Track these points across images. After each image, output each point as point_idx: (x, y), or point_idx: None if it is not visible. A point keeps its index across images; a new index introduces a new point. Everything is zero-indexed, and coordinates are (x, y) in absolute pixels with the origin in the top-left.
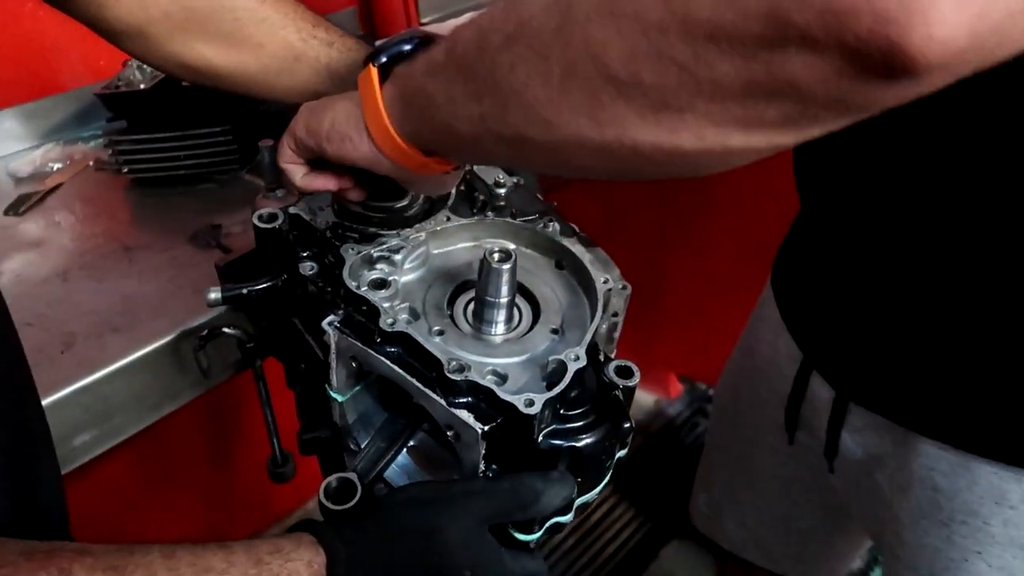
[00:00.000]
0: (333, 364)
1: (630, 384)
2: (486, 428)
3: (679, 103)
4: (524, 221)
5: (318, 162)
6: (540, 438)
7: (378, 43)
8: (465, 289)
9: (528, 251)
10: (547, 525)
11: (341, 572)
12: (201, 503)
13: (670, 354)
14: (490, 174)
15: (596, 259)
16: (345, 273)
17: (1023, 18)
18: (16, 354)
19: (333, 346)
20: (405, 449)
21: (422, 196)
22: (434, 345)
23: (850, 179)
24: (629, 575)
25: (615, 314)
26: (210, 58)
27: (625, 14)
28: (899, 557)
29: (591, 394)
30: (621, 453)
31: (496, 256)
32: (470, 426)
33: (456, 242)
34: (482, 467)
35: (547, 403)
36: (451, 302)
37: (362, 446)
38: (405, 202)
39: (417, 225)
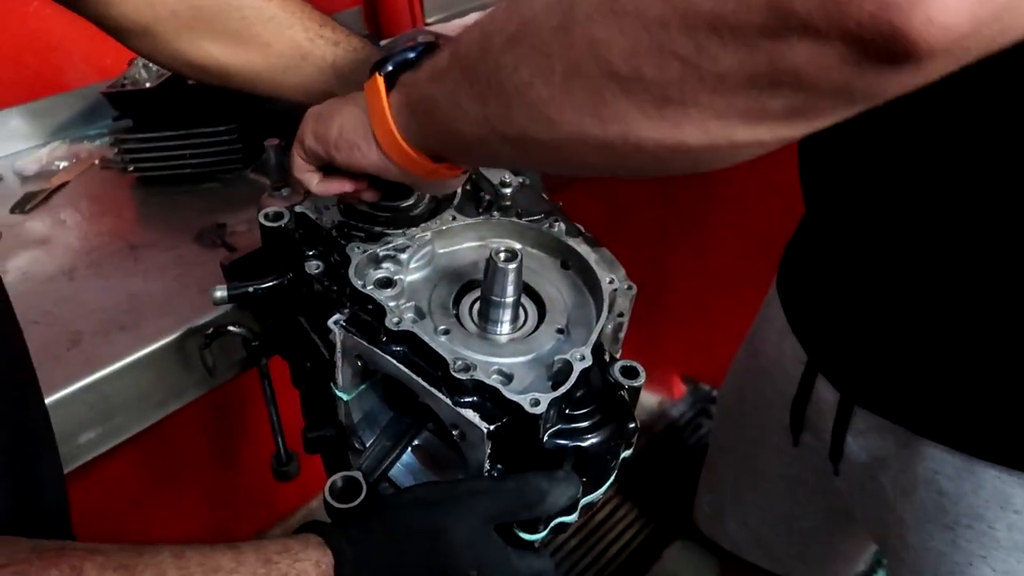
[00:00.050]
0: (339, 363)
1: (635, 384)
2: (491, 427)
3: (682, 97)
4: (530, 221)
5: (330, 167)
6: (545, 438)
7: (383, 42)
8: (471, 289)
9: (534, 251)
10: (552, 524)
11: (348, 572)
12: (205, 501)
13: (673, 355)
14: (496, 174)
15: (602, 259)
16: (351, 272)
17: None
18: (20, 353)
19: (339, 345)
20: (410, 448)
21: (428, 196)
22: (440, 344)
23: (855, 183)
24: (632, 575)
25: (621, 314)
26: (217, 56)
27: (626, 10)
28: (903, 560)
29: (596, 394)
30: (626, 453)
31: (502, 256)
32: (475, 425)
33: (462, 241)
34: (487, 466)
35: (552, 403)
36: (457, 301)
37: (367, 445)
38: (411, 201)
39: (423, 224)
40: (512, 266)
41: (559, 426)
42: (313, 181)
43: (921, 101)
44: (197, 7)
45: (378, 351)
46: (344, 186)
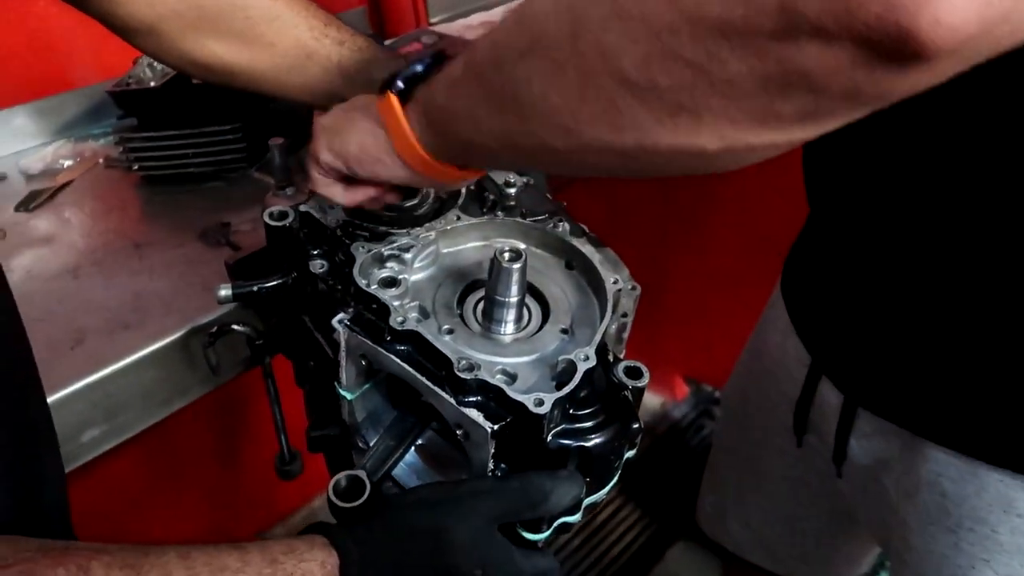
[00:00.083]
0: (343, 362)
1: (639, 385)
2: (495, 427)
3: (695, 104)
4: (534, 221)
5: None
6: (549, 438)
7: (388, 42)
8: (475, 288)
9: (538, 251)
10: (555, 524)
11: (354, 573)
12: (206, 500)
13: (676, 355)
14: (500, 174)
15: (606, 259)
16: (356, 271)
17: None
18: (22, 352)
19: (343, 344)
20: (413, 448)
21: (432, 195)
22: (444, 344)
23: (859, 184)
24: None
25: (624, 314)
26: (221, 55)
27: (635, 18)
28: (906, 563)
29: (600, 394)
30: (630, 453)
31: (507, 255)
32: (480, 425)
33: (466, 241)
34: (491, 466)
35: (557, 403)
36: (461, 301)
37: (371, 444)
38: (415, 201)
39: (427, 224)
40: (516, 266)
41: (563, 426)
42: (338, 194)
43: (926, 101)
44: (202, 6)
45: (382, 350)
46: (369, 192)
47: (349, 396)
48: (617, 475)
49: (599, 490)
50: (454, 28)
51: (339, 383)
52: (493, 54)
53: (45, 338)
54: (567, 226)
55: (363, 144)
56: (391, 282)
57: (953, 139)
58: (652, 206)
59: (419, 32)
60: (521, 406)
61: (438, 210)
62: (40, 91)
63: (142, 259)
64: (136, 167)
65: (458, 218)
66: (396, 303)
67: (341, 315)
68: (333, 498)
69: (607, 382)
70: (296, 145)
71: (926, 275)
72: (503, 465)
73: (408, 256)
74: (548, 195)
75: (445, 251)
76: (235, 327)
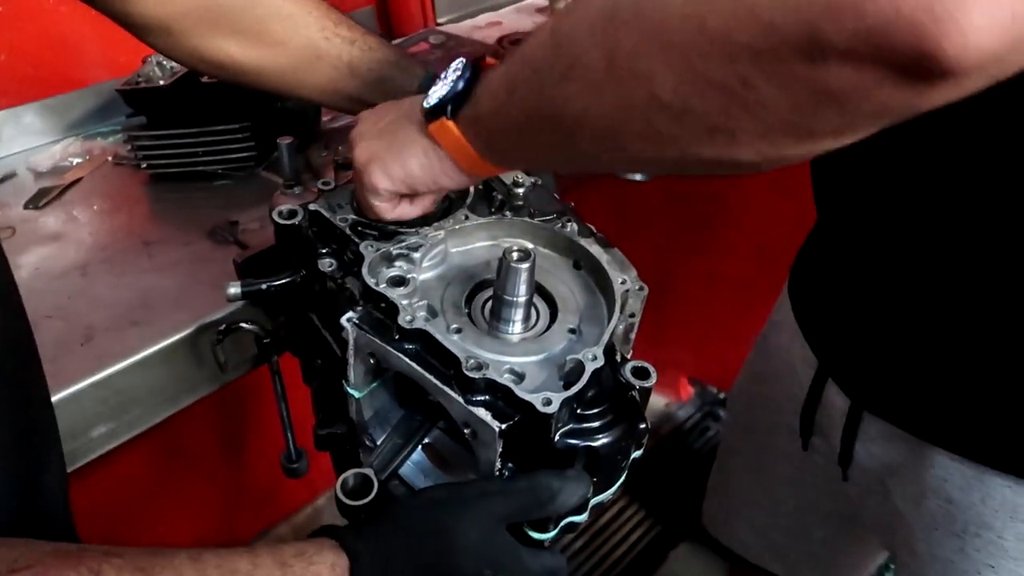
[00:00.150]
0: (351, 360)
1: (647, 385)
2: (503, 426)
3: (730, 124)
4: (542, 221)
5: None
6: (557, 437)
7: (395, 42)
8: (483, 288)
9: (546, 251)
10: (562, 524)
11: (364, 575)
12: (212, 497)
13: (681, 357)
14: (508, 174)
15: (613, 260)
16: (364, 270)
17: None
18: (28, 352)
19: (351, 342)
20: (420, 446)
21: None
22: (452, 343)
23: (867, 191)
24: None
25: (632, 315)
26: (233, 54)
27: (666, 45)
28: (911, 567)
29: (608, 394)
30: (636, 453)
31: (515, 255)
32: (487, 424)
33: (474, 241)
34: (498, 465)
35: (564, 402)
36: (469, 300)
37: (378, 442)
38: None
39: (436, 223)
40: (525, 266)
41: (570, 426)
42: (406, 209)
43: (936, 109)
44: (215, 4)
45: (391, 349)
46: (427, 203)
47: (357, 394)
48: (624, 475)
49: (606, 490)
50: (462, 28)
51: (347, 381)
52: (532, 76)
53: (54, 335)
54: (575, 226)
55: (424, 165)
56: (400, 281)
57: (961, 145)
58: (660, 208)
59: (427, 32)
60: (529, 405)
61: (447, 210)
62: (49, 89)
63: (151, 257)
64: (145, 165)
65: (467, 218)
66: (404, 302)
67: (350, 313)
68: (341, 496)
69: (614, 382)
70: (304, 144)
71: (933, 280)
72: (510, 464)
73: (417, 255)
74: (556, 195)
75: (454, 250)
76: (243, 325)
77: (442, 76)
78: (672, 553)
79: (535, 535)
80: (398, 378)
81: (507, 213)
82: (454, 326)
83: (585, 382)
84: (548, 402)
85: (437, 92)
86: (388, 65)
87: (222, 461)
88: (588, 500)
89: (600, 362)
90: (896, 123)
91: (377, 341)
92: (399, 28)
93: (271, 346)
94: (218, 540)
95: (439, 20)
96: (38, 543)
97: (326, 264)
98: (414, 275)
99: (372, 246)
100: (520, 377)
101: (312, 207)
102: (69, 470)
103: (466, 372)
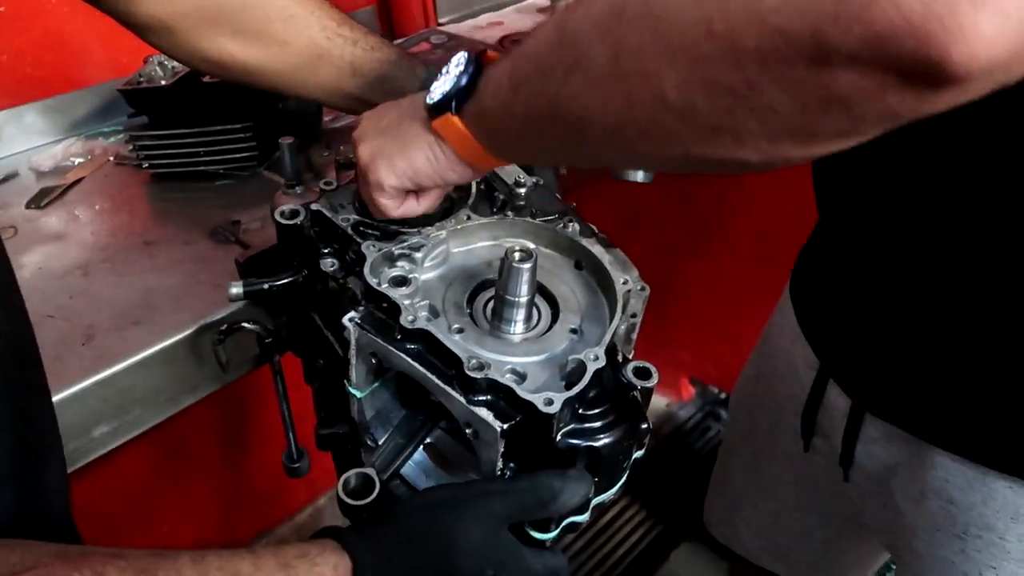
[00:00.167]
0: (353, 360)
1: (648, 385)
2: (505, 426)
3: (735, 125)
4: (544, 221)
5: None
6: (558, 437)
7: (396, 42)
8: (485, 288)
9: (548, 251)
10: (564, 524)
11: None
12: (214, 496)
13: (682, 357)
14: (510, 174)
15: (615, 260)
16: (366, 270)
17: None
18: (29, 354)
19: (353, 342)
20: (422, 446)
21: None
22: (454, 343)
23: (869, 192)
24: None
25: (633, 315)
26: (235, 53)
27: (674, 47)
28: (913, 568)
29: (609, 394)
30: (638, 453)
31: (517, 255)
32: (489, 424)
33: (476, 241)
34: (500, 465)
35: (566, 402)
36: (471, 300)
37: (380, 442)
38: None
39: (438, 223)
40: (527, 266)
41: (572, 426)
42: (412, 206)
43: (940, 113)
44: (217, 4)
45: (393, 349)
46: (434, 198)
47: (359, 394)
48: (625, 475)
49: (607, 490)
50: (463, 28)
51: (349, 381)
52: (537, 72)
53: (56, 334)
54: (577, 226)
55: (430, 159)
56: (401, 281)
57: (963, 147)
58: (662, 208)
59: (428, 32)
60: (531, 405)
61: (448, 210)
62: (51, 89)
63: (152, 256)
64: (146, 165)
65: (468, 218)
66: (406, 302)
67: (352, 313)
68: (343, 496)
69: (616, 382)
70: (305, 144)
71: (934, 281)
72: (512, 464)
73: (419, 255)
74: (558, 195)
75: (455, 250)
76: (245, 325)
77: (444, 70)
78: (673, 553)
79: (537, 535)
80: (400, 378)
81: (509, 213)
82: (456, 326)
83: (587, 382)
84: (550, 402)
85: (440, 87)
86: (390, 65)
87: (223, 461)
88: (590, 500)
89: (602, 362)
90: (900, 126)
91: (379, 341)
92: (400, 28)
93: (273, 346)
94: (219, 539)
95: (440, 20)
96: (40, 545)
97: (328, 264)
98: (416, 275)
99: (374, 246)
100: (522, 377)
101: (314, 207)
102: (71, 470)
103: (468, 372)
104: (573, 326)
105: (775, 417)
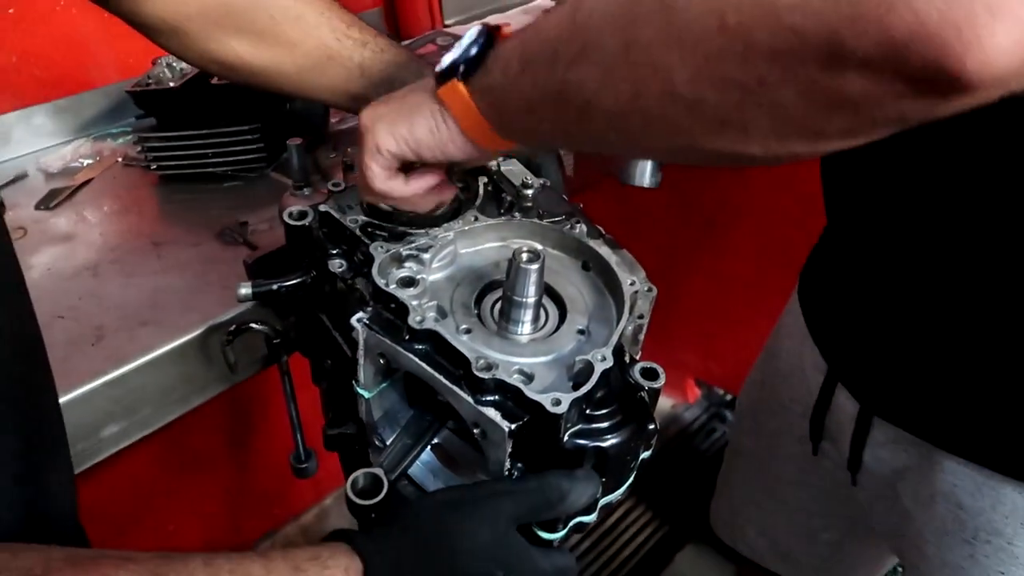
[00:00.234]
0: (361, 360)
1: (655, 386)
2: (513, 426)
3: (743, 119)
4: (551, 222)
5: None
6: (566, 437)
7: (403, 44)
8: (492, 289)
9: (555, 252)
10: (571, 524)
11: None
12: (221, 496)
13: (688, 358)
14: (518, 176)
15: (622, 261)
16: (375, 271)
17: None
18: (36, 357)
19: (361, 342)
20: (430, 447)
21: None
22: (462, 343)
23: (877, 197)
24: None
25: (641, 316)
26: (244, 55)
27: (686, 41)
28: (921, 573)
29: (616, 395)
30: (645, 454)
31: (525, 256)
32: (497, 424)
33: (484, 242)
34: (508, 465)
35: (574, 403)
36: (478, 301)
37: (387, 443)
38: None
39: (445, 225)
40: (534, 267)
41: (579, 426)
42: (399, 184)
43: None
44: (226, 5)
45: (401, 349)
46: (432, 178)
47: (366, 394)
48: (633, 475)
49: (615, 490)
50: (460, 39)
51: (357, 381)
52: (548, 52)
53: (65, 335)
54: (584, 228)
55: (431, 129)
56: (409, 282)
57: (974, 152)
58: (669, 210)
59: (434, 34)
60: (538, 406)
61: (456, 211)
62: (60, 90)
63: (160, 257)
64: (154, 166)
65: (476, 219)
66: (414, 302)
67: (360, 314)
68: (351, 495)
69: (623, 383)
70: (313, 145)
71: (943, 285)
72: (520, 464)
73: (426, 256)
74: (565, 197)
75: (463, 251)
76: (253, 326)
77: (456, 43)
78: (679, 555)
79: (544, 535)
80: (407, 378)
81: (516, 214)
82: (464, 327)
83: (594, 383)
84: (557, 402)
85: (450, 56)
86: (398, 67)
87: (231, 461)
88: (597, 500)
89: (609, 363)
90: (908, 128)
91: (387, 341)
92: (406, 30)
93: (281, 346)
94: (225, 539)
95: (447, 22)
96: (51, 549)
97: (336, 265)
98: (424, 276)
99: (382, 247)
100: (529, 378)
101: (322, 208)
102: (80, 469)
103: (476, 372)
104: (580, 327)
105: (783, 420)
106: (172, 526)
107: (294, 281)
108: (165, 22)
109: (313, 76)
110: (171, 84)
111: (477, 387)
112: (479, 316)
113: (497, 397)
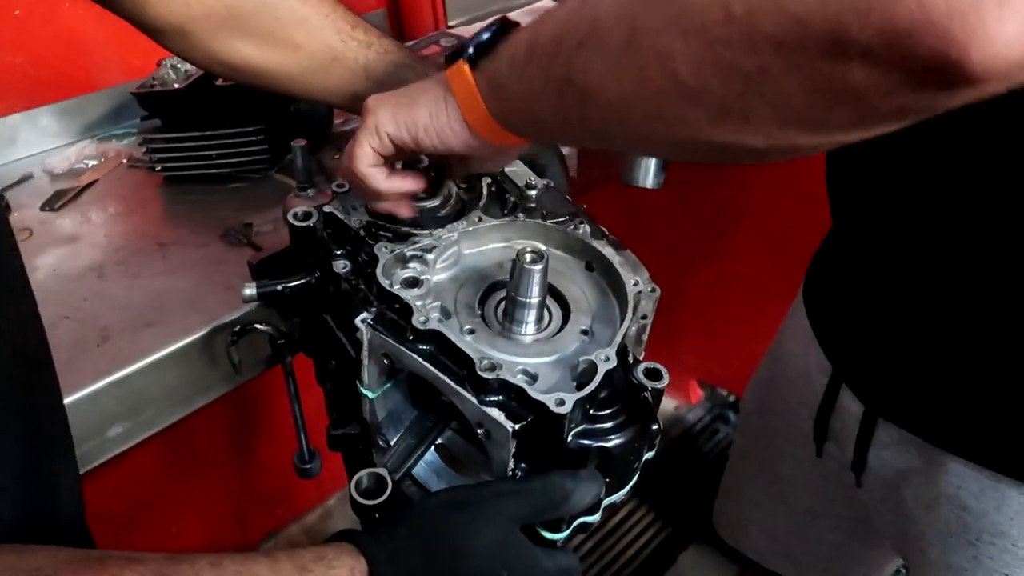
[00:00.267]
0: (365, 361)
1: (659, 386)
2: (517, 427)
3: (745, 109)
4: (555, 223)
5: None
6: (569, 438)
7: (407, 45)
8: (496, 289)
9: (559, 252)
10: (575, 524)
11: None
12: (225, 496)
13: (691, 359)
14: (521, 176)
15: (626, 261)
16: (379, 271)
17: None
18: (41, 358)
19: (366, 343)
20: (434, 447)
21: (455, 196)
22: (466, 344)
23: (882, 199)
24: None
25: (644, 316)
26: (248, 56)
27: (691, 28)
28: (925, 574)
29: (620, 395)
30: (649, 454)
31: (528, 257)
32: (501, 424)
33: (487, 242)
34: (511, 465)
35: (577, 403)
36: (482, 302)
37: (391, 443)
38: (437, 202)
39: (449, 225)
40: (538, 267)
41: (583, 426)
42: (380, 175)
43: (953, 114)
44: (231, 7)
45: (405, 349)
46: (418, 183)
47: (370, 395)
48: (636, 476)
49: (619, 490)
50: (473, 31)
51: (361, 382)
52: (554, 39)
53: (71, 336)
54: (588, 228)
55: (433, 113)
56: (413, 282)
57: (980, 153)
58: (673, 211)
59: (438, 35)
60: (542, 406)
61: (460, 211)
62: (65, 92)
63: (165, 258)
64: (159, 168)
65: (480, 219)
66: (419, 303)
67: (364, 314)
68: (355, 495)
69: (627, 383)
70: (317, 146)
71: (948, 287)
72: (523, 465)
73: (430, 257)
74: (569, 198)
75: (467, 252)
76: (257, 326)
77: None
78: (682, 555)
79: (548, 535)
80: (411, 379)
81: (520, 215)
82: (467, 327)
83: (598, 383)
84: (561, 402)
85: (464, 43)
86: (403, 68)
87: (235, 461)
88: (601, 500)
89: (613, 363)
90: (913, 123)
91: (391, 342)
92: (410, 31)
93: (285, 347)
94: (229, 539)
95: (450, 23)
96: (57, 549)
97: (340, 265)
98: (428, 276)
99: (386, 248)
100: (533, 378)
101: (327, 209)
102: (85, 470)
103: (480, 372)
104: (584, 327)
105: (787, 421)
106: (176, 526)
107: (298, 282)
108: (170, 24)
109: (318, 77)
110: (176, 86)
111: (481, 387)
112: (483, 316)
113: (501, 397)
